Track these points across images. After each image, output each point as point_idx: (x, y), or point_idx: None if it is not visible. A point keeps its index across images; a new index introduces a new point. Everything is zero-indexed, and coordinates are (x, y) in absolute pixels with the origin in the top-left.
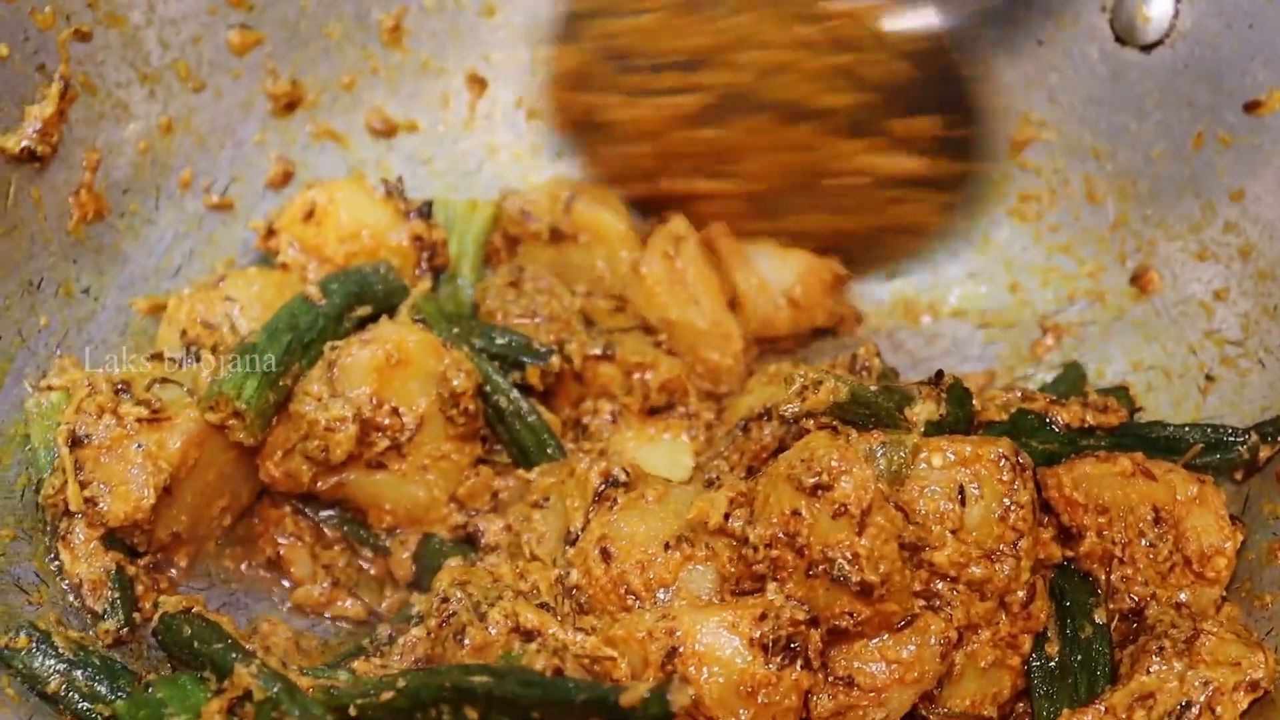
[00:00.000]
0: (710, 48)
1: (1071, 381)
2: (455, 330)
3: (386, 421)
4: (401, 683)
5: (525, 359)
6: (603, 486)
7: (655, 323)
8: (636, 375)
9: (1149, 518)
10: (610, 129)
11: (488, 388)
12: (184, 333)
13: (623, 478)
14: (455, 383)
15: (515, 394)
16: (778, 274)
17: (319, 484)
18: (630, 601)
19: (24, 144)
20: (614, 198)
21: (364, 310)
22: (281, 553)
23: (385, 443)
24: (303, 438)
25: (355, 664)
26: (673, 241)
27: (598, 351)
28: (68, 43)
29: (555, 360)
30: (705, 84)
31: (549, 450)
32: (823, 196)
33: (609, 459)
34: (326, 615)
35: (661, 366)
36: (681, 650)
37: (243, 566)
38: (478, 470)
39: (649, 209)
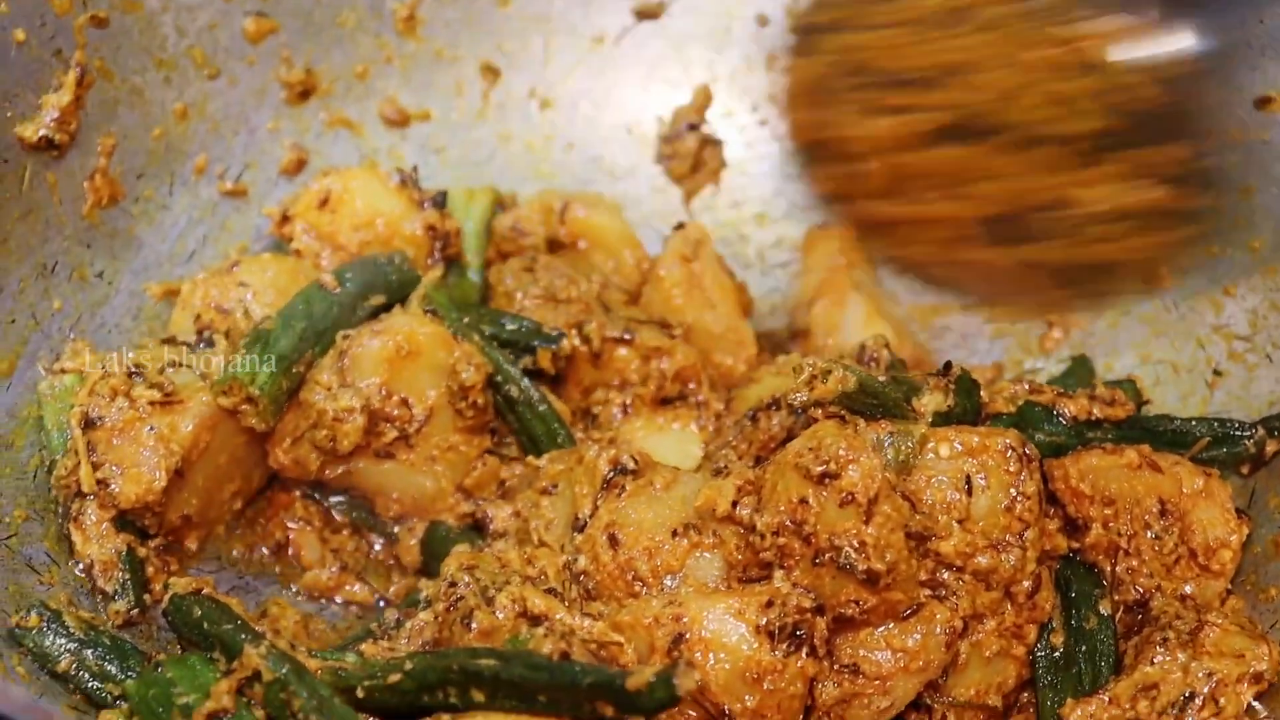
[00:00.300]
0: (951, 65)
1: (1080, 376)
2: (465, 320)
3: (395, 413)
4: (409, 665)
5: (536, 343)
6: (611, 474)
7: (671, 323)
8: (654, 362)
9: (1155, 510)
10: (843, 145)
11: (498, 377)
12: (198, 317)
13: (631, 465)
14: (465, 376)
15: (526, 383)
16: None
17: (326, 472)
18: (637, 588)
19: (42, 133)
20: (607, 201)
21: (378, 299)
22: (291, 536)
23: (393, 434)
24: (311, 426)
25: (363, 646)
26: (691, 245)
27: (617, 334)
28: (84, 28)
29: (566, 343)
30: (943, 102)
31: (559, 439)
32: (1058, 225)
33: (618, 447)
34: (335, 599)
35: (678, 353)
36: (688, 636)
37: (252, 550)
38: (485, 460)
39: (874, 233)
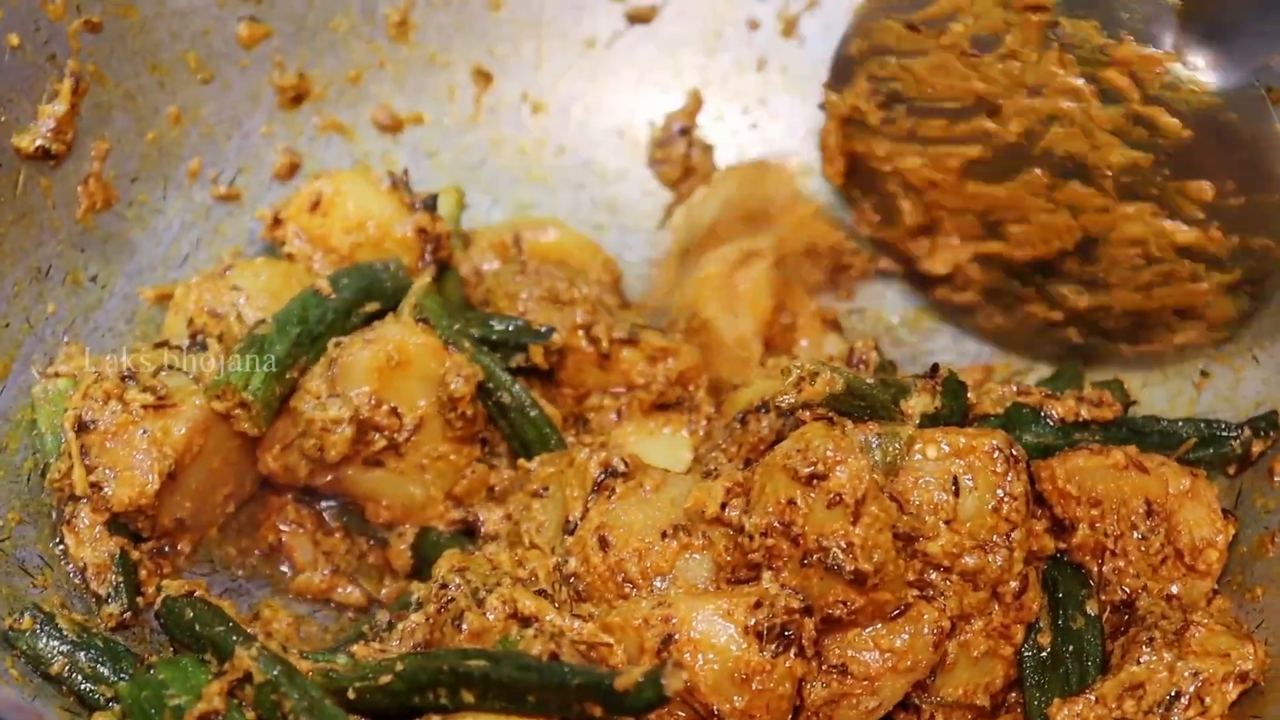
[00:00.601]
0: (989, 92)
1: (1069, 380)
2: (456, 326)
3: (384, 422)
4: (399, 666)
5: (527, 340)
6: (602, 476)
7: (685, 315)
8: (660, 364)
9: (1141, 510)
10: (880, 179)
11: (489, 383)
12: (190, 321)
13: (621, 468)
14: (454, 387)
15: (517, 388)
16: None
17: (315, 479)
18: (627, 589)
19: (39, 143)
20: (550, 219)
21: (372, 306)
22: (283, 539)
23: (382, 443)
24: (300, 434)
25: (354, 648)
26: (748, 254)
27: (624, 335)
28: (78, 33)
29: (558, 337)
30: (982, 132)
31: (551, 443)
32: (1094, 266)
33: (609, 450)
34: (330, 603)
35: (683, 354)
36: (677, 637)
37: (245, 554)
38: (474, 468)
39: (916, 277)
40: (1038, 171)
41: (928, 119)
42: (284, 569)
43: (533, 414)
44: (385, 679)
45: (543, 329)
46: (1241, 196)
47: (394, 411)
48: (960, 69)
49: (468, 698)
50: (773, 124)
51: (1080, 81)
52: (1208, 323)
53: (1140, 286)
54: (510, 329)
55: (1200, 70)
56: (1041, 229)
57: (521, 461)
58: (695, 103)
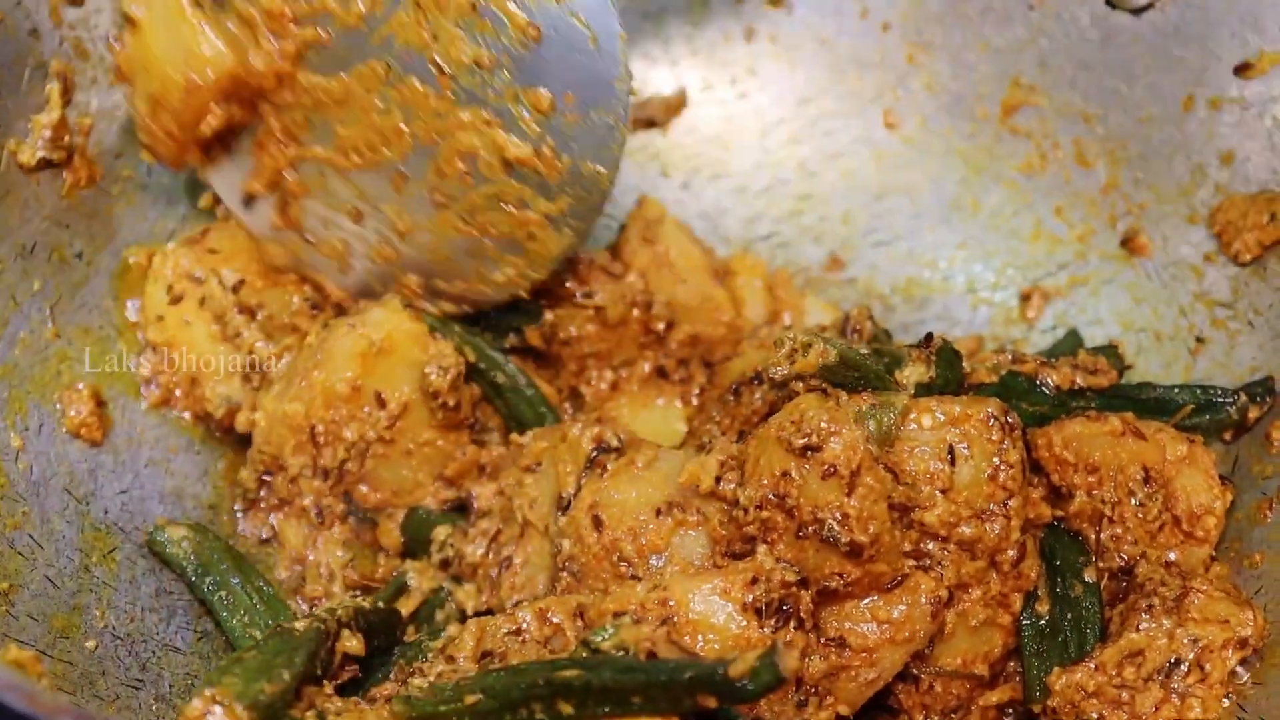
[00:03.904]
0: None
1: (1069, 350)
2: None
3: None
4: (487, 683)
5: (520, 322)
6: (595, 452)
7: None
8: (674, 329)
9: (1139, 477)
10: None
11: (481, 364)
12: (170, 288)
13: (614, 443)
14: (433, 379)
15: (511, 367)
16: None
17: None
18: (623, 569)
19: (40, 154)
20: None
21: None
22: (275, 524)
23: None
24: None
25: (422, 666)
26: (649, 226)
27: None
28: (60, 7)
29: (549, 315)
30: (323, 11)
31: (547, 421)
32: (420, 183)
33: (602, 424)
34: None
35: (688, 319)
36: (675, 619)
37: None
38: (465, 451)
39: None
40: (374, 64)
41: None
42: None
43: (528, 392)
44: (473, 699)
45: (532, 308)
46: (578, 112)
47: (378, 397)
48: None
49: (565, 709)
50: (761, 94)
51: None
52: (528, 259)
53: (465, 211)
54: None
55: None
56: (370, 133)
57: (514, 436)
58: (679, 103)
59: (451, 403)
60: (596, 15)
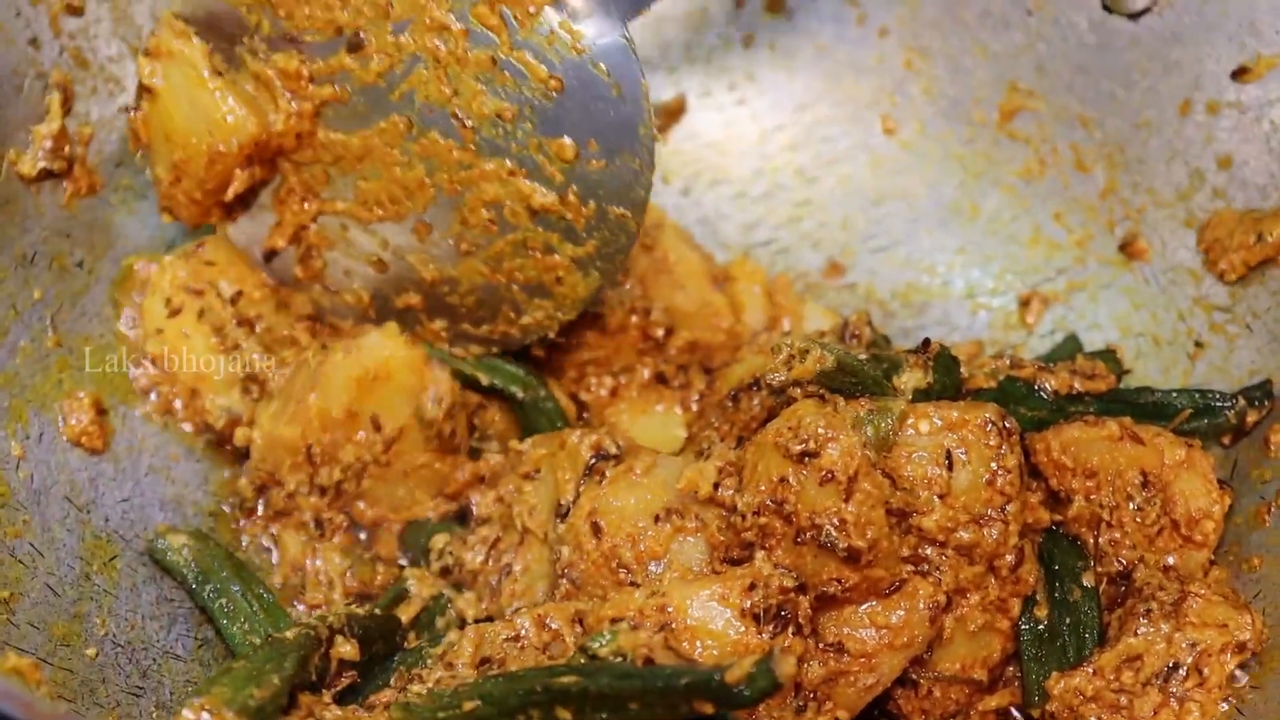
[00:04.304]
0: (352, 25)
1: (1068, 355)
2: None
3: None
4: (485, 689)
5: None
6: (593, 459)
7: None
8: (673, 334)
9: (1137, 482)
10: None
11: (498, 382)
12: (169, 300)
13: (613, 450)
14: (429, 407)
15: (532, 379)
16: None
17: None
18: (622, 575)
19: (41, 165)
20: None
21: None
22: (275, 533)
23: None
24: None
25: (421, 673)
26: (647, 231)
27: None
28: (59, 16)
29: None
30: (340, 70)
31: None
32: (446, 231)
33: (600, 432)
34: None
35: (687, 325)
36: (674, 625)
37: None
38: (464, 470)
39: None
40: (395, 119)
41: (283, 52)
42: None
43: (547, 405)
44: (471, 705)
45: None
46: (603, 159)
47: (374, 421)
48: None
49: (563, 715)
50: (760, 100)
51: (450, 18)
52: (556, 302)
53: (491, 258)
54: None
55: (576, 17)
56: (393, 186)
57: (513, 443)
58: (678, 108)
59: (446, 431)
60: (618, 64)
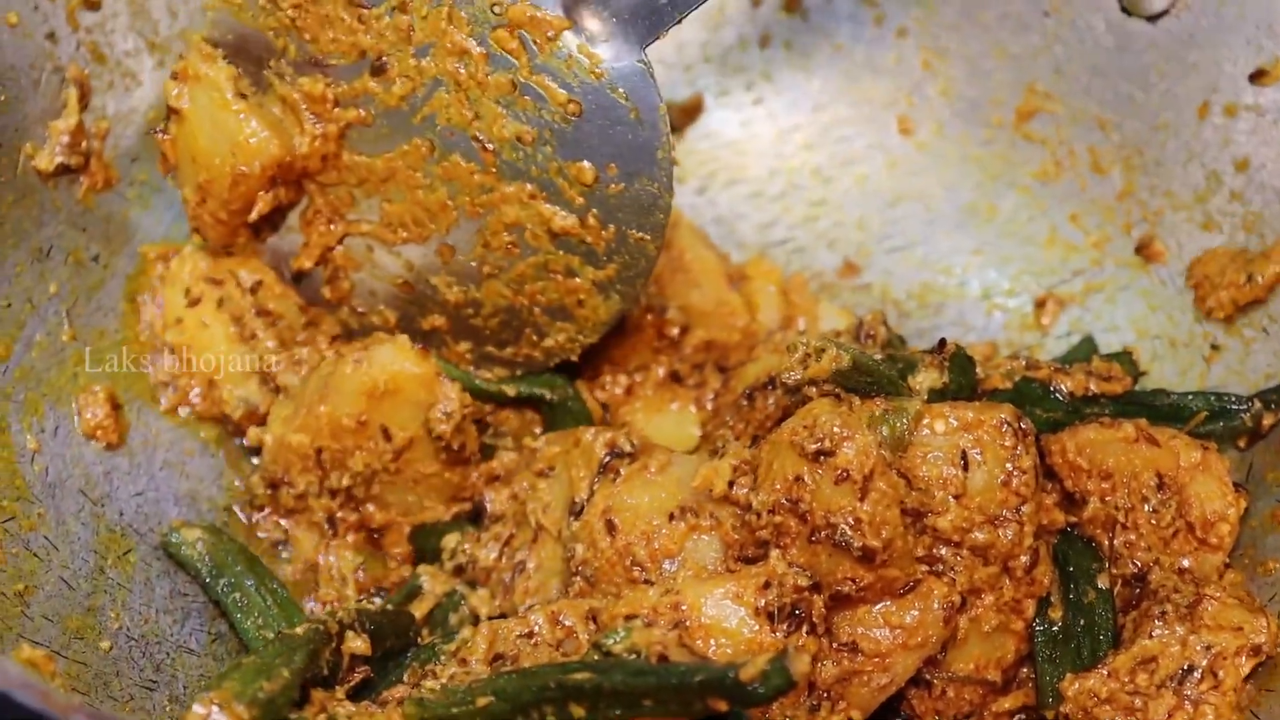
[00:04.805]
0: (375, 49)
1: (1084, 357)
2: None
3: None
4: (498, 685)
5: None
6: (608, 457)
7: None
8: (688, 334)
9: (1152, 484)
10: None
11: (523, 388)
12: (188, 291)
13: (628, 448)
14: (439, 421)
15: (560, 380)
16: None
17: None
18: (636, 573)
19: (58, 160)
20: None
21: None
22: (287, 529)
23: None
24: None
25: (434, 668)
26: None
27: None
28: (76, 11)
29: None
30: (364, 94)
31: None
32: (468, 254)
33: (615, 430)
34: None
35: (703, 323)
36: (688, 623)
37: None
38: (477, 471)
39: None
40: (418, 141)
41: (308, 75)
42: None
43: (574, 406)
44: (484, 701)
45: None
46: (622, 182)
47: (384, 431)
48: (348, 21)
49: (577, 712)
50: (776, 100)
51: (472, 43)
52: (578, 324)
53: (514, 280)
54: None
55: (593, 40)
56: (416, 208)
57: (527, 440)
58: (695, 106)
59: (456, 445)
60: (636, 88)
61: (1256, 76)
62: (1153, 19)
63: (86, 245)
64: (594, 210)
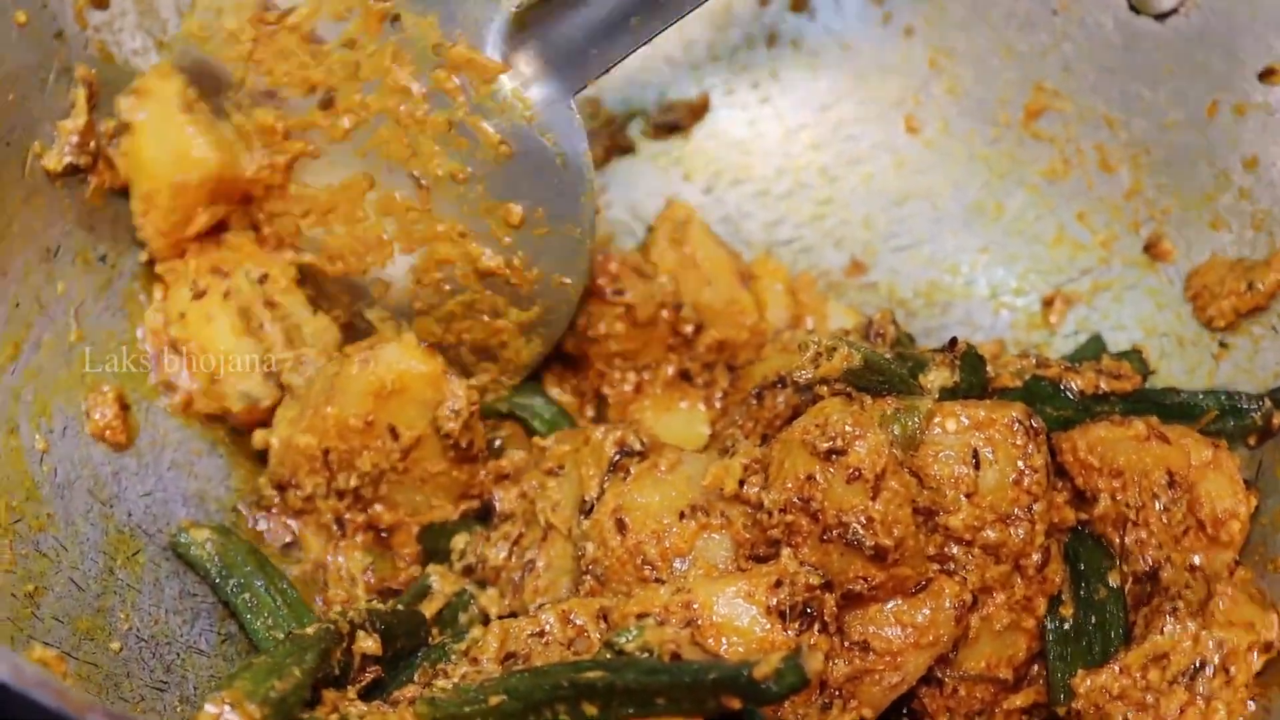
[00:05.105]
0: (326, 82)
1: (1093, 355)
2: None
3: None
4: (511, 684)
5: None
6: (618, 456)
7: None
8: (702, 333)
9: (1163, 481)
10: None
11: (503, 406)
12: (194, 283)
13: (637, 447)
14: (447, 419)
15: (519, 395)
16: None
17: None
18: (647, 572)
19: (67, 160)
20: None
21: None
22: (296, 529)
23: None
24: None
25: (446, 668)
26: (678, 227)
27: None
28: (85, 9)
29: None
30: (312, 126)
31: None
32: (402, 292)
33: (624, 428)
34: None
35: (714, 321)
36: (699, 622)
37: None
38: (485, 469)
39: None
40: (359, 175)
41: (262, 107)
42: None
43: (546, 414)
44: (497, 699)
45: None
46: (548, 225)
47: (392, 430)
48: (300, 56)
49: (590, 710)
50: (783, 98)
51: (414, 82)
52: (501, 366)
53: (443, 318)
54: None
55: (527, 84)
56: (356, 241)
57: (536, 439)
58: (702, 105)
59: (464, 443)
60: (565, 135)
61: (1266, 75)
62: (1161, 17)
63: (94, 245)
64: (520, 252)
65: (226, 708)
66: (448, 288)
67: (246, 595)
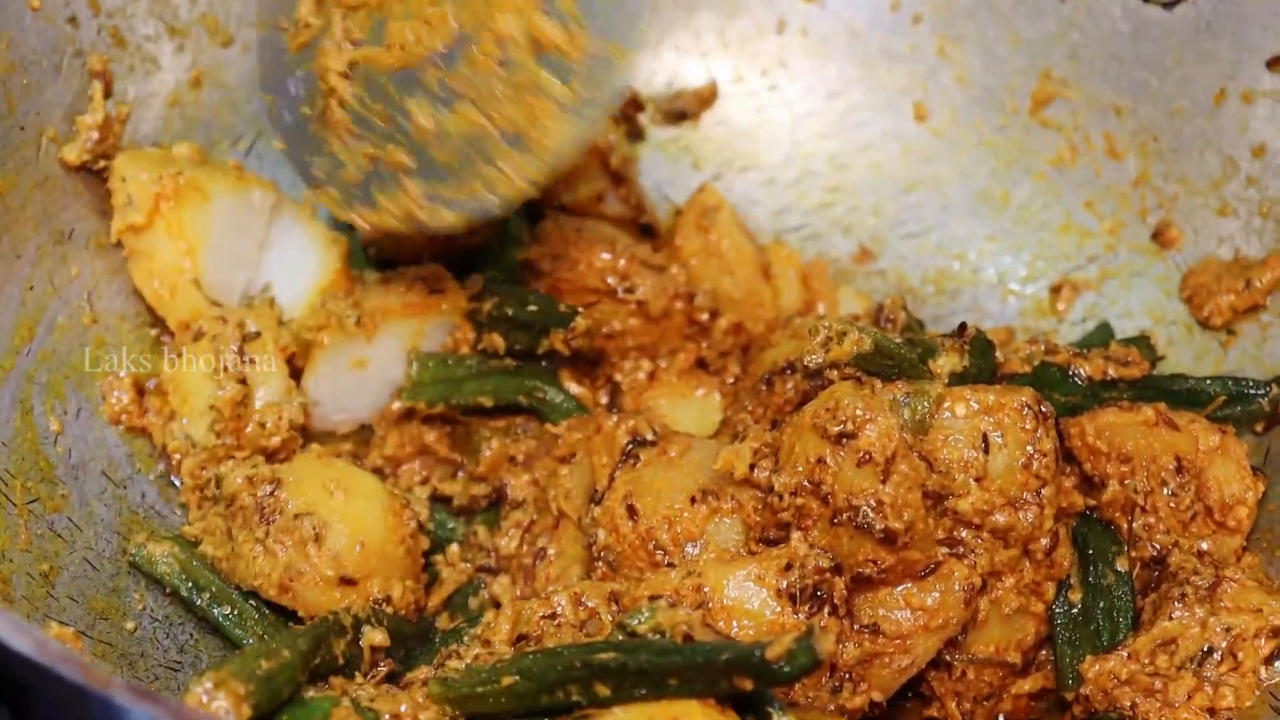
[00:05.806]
0: None
1: (1100, 343)
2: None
3: None
4: (524, 664)
5: (550, 324)
6: (630, 445)
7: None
8: (718, 320)
9: (1171, 467)
10: None
11: (500, 396)
12: (187, 326)
13: (650, 436)
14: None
15: (537, 383)
16: None
17: None
18: (659, 557)
19: (85, 156)
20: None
21: None
22: None
23: None
24: None
25: (458, 650)
26: (707, 213)
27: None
28: None
29: (581, 322)
30: None
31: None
32: (452, 73)
33: (637, 417)
34: None
35: (732, 311)
36: (710, 605)
37: None
38: (492, 445)
39: None
40: None
41: None
42: None
43: (563, 405)
44: (510, 680)
45: (566, 311)
46: None
47: None
48: None
49: (602, 691)
50: (792, 86)
51: None
52: (532, 154)
53: (483, 100)
54: (540, 310)
55: None
56: (419, 25)
57: (548, 426)
58: (710, 94)
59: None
60: None
61: (1274, 63)
62: (1169, 5)
63: (108, 228)
64: (581, 21)
65: (209, 683)
66: (500, 67)
67: (226, 609)
